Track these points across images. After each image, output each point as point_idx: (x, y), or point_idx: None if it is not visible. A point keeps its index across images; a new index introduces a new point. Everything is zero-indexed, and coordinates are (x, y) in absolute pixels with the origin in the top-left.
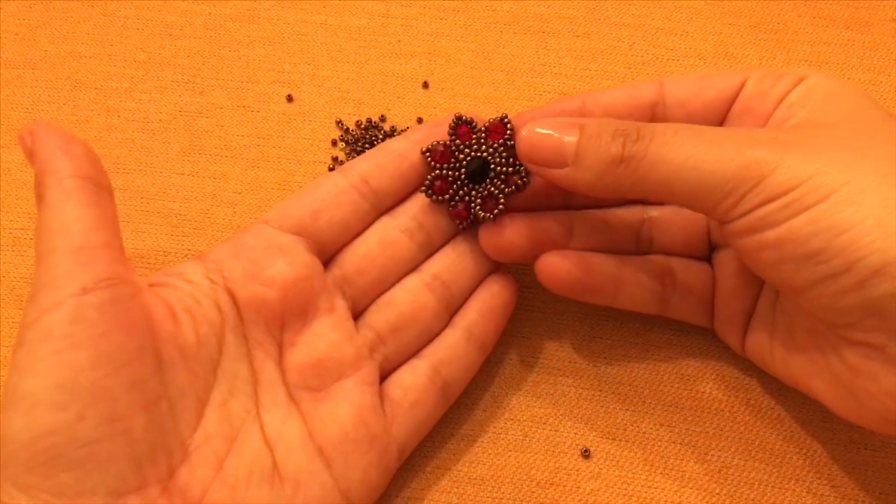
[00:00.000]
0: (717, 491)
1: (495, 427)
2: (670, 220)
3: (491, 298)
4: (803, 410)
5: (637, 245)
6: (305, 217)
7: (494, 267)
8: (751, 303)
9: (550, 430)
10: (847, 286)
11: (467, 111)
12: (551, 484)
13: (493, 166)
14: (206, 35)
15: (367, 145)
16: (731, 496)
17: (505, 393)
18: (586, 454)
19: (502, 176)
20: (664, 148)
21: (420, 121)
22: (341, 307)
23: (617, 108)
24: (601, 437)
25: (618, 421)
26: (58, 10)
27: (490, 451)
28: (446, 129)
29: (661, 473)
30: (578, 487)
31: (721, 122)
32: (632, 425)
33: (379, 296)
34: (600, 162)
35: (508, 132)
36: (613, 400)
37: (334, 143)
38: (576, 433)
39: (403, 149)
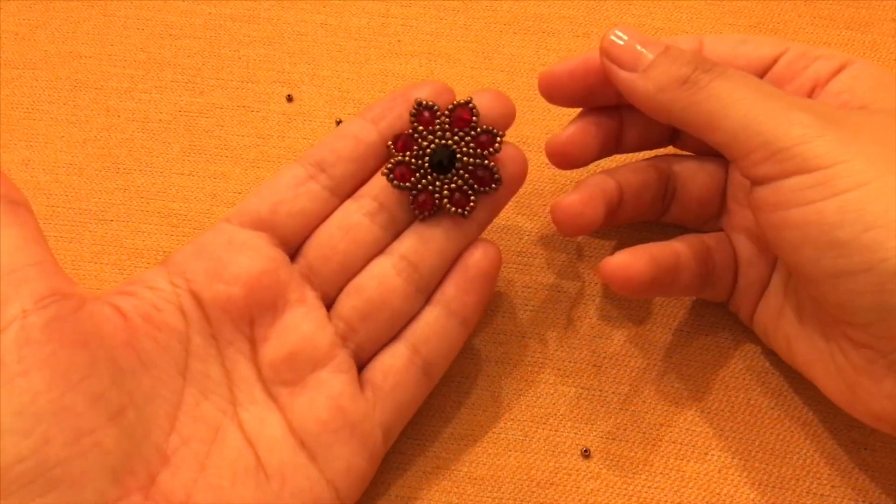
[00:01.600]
0: (717, 491)
1: (495, 427)
2: (691, 176)
3: (468, 270)
4: (803, 410)
5: (663, 199)
6: (264, 211)
7: (464, 240)
8: (766, 273)
9: (550, 429)
10: (864, 286)
11: (428, 93)
12: (551, 484)
13: (459, 156)
14: (206, 35)
15: None
16: (731, 496)
17: (505, 393)
18: (586, 454)
19: (469, 168)
20: (726, 85)
21: None
22: (311, 297)
23: None
24: (601, 437)
25: (618, 421)
26: (58, 9)
27: (490, 450)
28: (402, 105)
29: (661, 473)
30: (578, 487)
31: None
32: (632, 425)
33: (348, 282)
34: (666, 77)
35: (474, 120)
36: (613, 400)
37: None
38: (576, 433)
39: (358, 130)
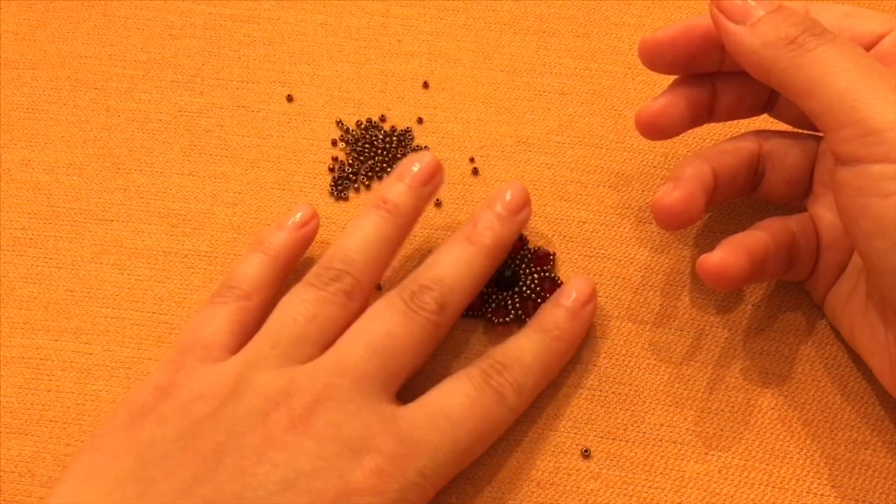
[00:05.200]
0: (717, 491)
1: None
2: (781, 156)
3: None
4: (803, 410)
5: (753, 178)
6: None
7: None
8: (845, 257)
9: (550, 429)
10: None
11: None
12: (551, 484)
13: (522, 276)
14: (206, 35)
15: (367, 145)
16: (731, 496)
17: None
18: (586, 454)
19: (535, 282)
20: (831, 53)
21: (420, 121)
22: None
23: None
24: (601, 437)
25: (618, 421)
26: (58, 10)
27: (490, 450)
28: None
29: (661, 473)
30: (578, 487)
31: None
32: (632, 425)
33: None
34: (774, 33)
35: (526, 245)
36: (613, 400)
37: (334, 143)
38: (576, 433)
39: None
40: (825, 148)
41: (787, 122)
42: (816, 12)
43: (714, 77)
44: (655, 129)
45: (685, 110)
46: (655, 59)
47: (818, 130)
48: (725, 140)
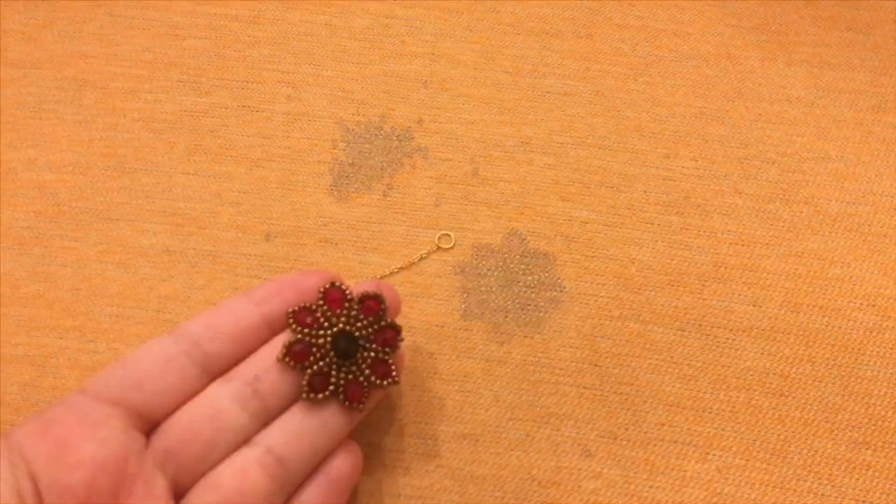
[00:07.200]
0: (718, 491)
1: (497, 426)
2: None
3: (331, 473)
4: (804, 410)
5: None
6: (127, 386)
7: (340, 435)
8: None
9: (552, 429)
10: None
11: (317, 282)
12: (552, 483)
13: (363, 348)
14: (210, 35)
15: (367, 145)
16: (731, 496)
17: (506, 392)
18: (588, 454)
19: (370, 361)
20: None
21: (420, 121)
22: (160, 488)
23: None
24: (602, 437)
25: (619, 420)
26: (63, 9)
27: (491, 450)
28: (290, 291)
29: (661, 473)
30: (579, 487)
31: None
32: (633, 425)
33: (207, 471)
34: None
35: (381, 310)
36: (615, 399)
37: (336, 143)
38: (577, 432)
39: (240, 309)
40: None
41: None
42: None
43: None
44: None
45: None
46: None
47: None
48: None
